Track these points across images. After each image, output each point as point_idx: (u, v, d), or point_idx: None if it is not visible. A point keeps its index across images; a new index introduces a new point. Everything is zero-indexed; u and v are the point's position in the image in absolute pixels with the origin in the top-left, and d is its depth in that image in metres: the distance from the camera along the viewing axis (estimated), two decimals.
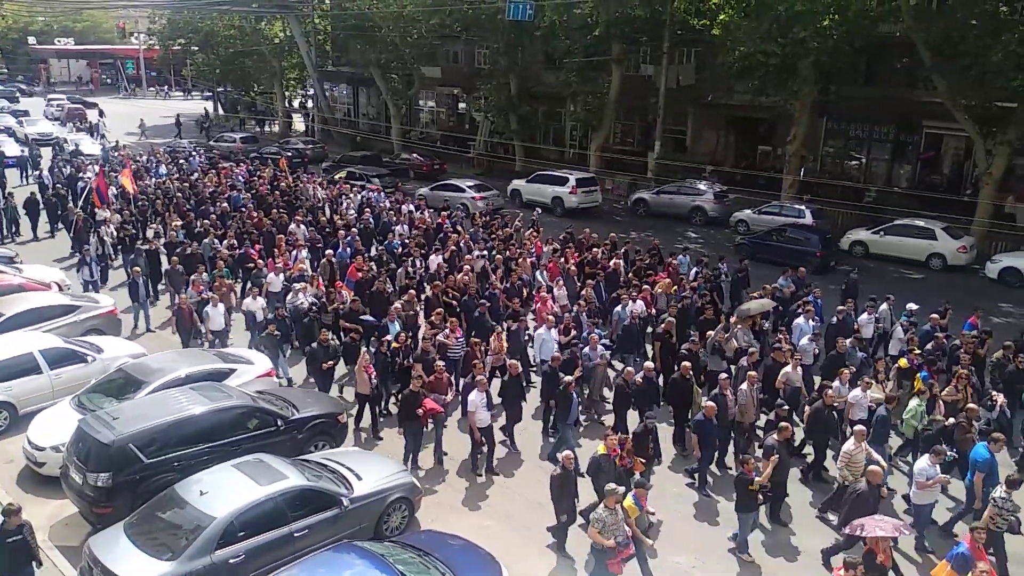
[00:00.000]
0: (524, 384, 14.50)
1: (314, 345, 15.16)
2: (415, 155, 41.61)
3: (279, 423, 12.61)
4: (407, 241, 22.48)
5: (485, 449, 13.27)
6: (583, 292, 17.99)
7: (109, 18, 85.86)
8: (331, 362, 15.09)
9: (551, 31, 35.78)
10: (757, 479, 10.89)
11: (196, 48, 58.97)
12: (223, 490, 10.26)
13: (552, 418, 14.16)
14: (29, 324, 16.18)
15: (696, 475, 13.06)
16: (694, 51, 35.41)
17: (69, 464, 11.43)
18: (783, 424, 11.78)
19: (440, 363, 14.12)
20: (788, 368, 14.25)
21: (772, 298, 17.98)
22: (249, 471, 10.63)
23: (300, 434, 12.85)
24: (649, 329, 17.36)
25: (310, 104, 61.50)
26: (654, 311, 17.76)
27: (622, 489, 10.31)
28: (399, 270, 20.07)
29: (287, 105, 58.81)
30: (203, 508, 9.94)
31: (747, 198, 30.62)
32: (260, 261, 20.30)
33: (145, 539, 9.84)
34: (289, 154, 40.68)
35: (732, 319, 16.41)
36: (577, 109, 37.28)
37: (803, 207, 28.03)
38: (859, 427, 11.86)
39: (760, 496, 11.06)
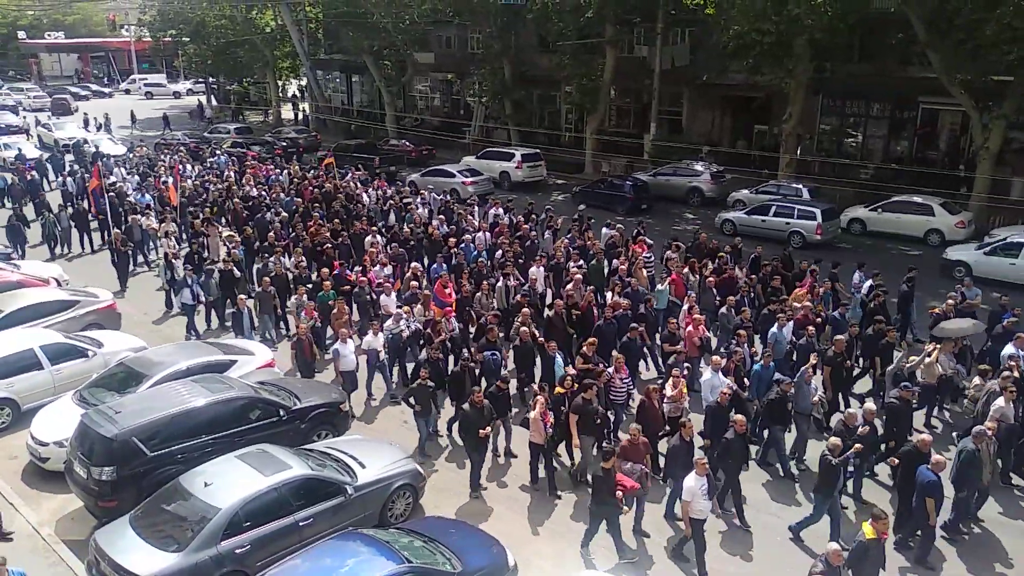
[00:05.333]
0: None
1: (466, 407, 12.06)
2: (404, 141, 41.51)
3: (281, 413, 12.64)
4: (505, 250, 19.34)
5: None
6: (734, 312, 15.47)
7: (99, 11, 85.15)
8: (488, 428, 12.05)
9: (544, 14, 35.59)
10: None
11: (187, 39, 58.54)
12: (227, 481, 10.31)
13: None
14: (28, 320, 16.21)
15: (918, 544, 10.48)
16: (688, 31, 35.21)
17: (73, 459, 11.46)
18: None
19: (636, 426, 11.18)
20: (1000, 401, 11.76)
21: (948, 312, 15.21)
22: (253, 462, 10.68)
23: (303, 424, 12.88)
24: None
25: (291, 92, 61.16)
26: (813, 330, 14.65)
27: None
28: (498, 285, 17.32)
29: (281, 94, 58.42)
30: (208, 499, 10.00)
31: (744, 178, 30.59)
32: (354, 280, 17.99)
33: (151, 531, 9.90)
34: (284, 143, 40.55)
35: (909, 340, 14.12)
36: (572, 92, 37.12)
37: (799, 187, 28.00)
38: None
39: None
